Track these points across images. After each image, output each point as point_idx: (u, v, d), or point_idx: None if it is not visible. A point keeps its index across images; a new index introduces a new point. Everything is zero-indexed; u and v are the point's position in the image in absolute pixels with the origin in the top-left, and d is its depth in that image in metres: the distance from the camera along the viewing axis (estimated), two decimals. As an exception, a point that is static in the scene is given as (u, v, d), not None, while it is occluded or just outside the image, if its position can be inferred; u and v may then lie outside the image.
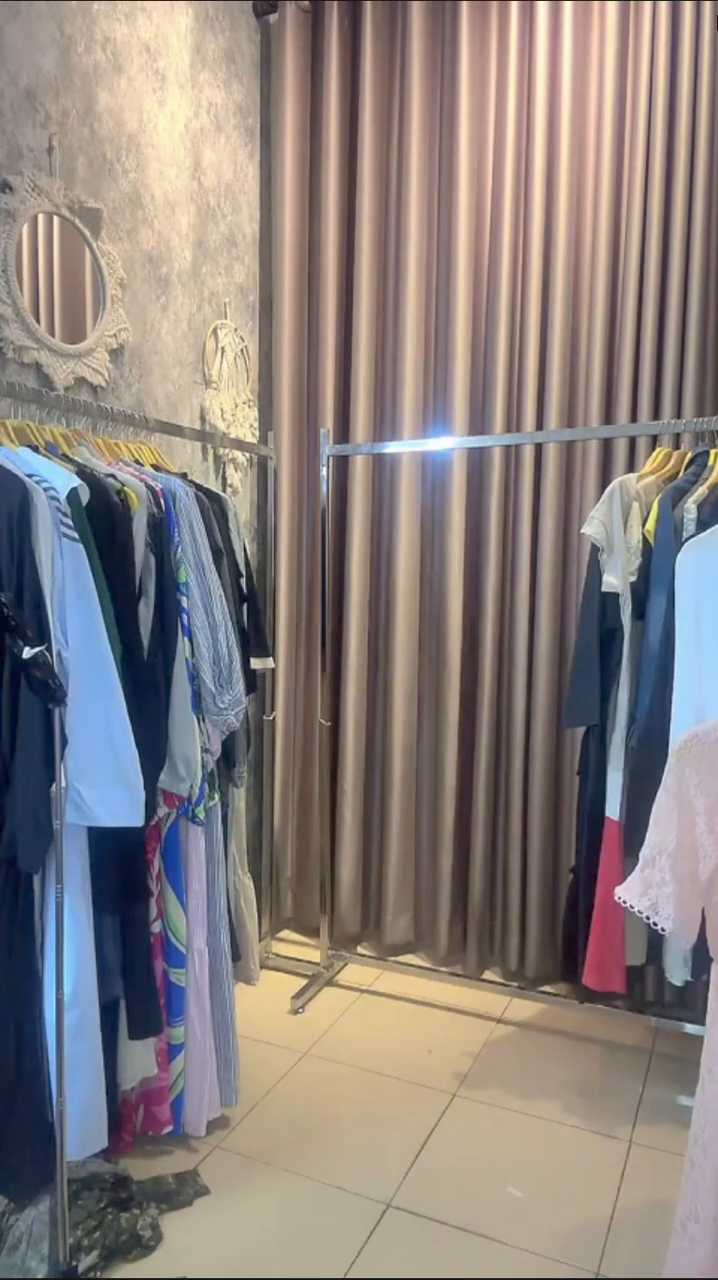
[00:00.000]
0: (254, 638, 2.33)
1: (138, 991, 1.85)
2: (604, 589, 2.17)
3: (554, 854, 2.79)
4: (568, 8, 2.59)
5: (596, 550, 2.18)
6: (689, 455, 2.21)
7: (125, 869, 1.82)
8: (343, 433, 2.97)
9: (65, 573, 1.62)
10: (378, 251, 2.89)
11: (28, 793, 1.57)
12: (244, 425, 2.89)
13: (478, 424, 2.81)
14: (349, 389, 2.95)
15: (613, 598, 2.17)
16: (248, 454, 2.91)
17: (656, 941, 2.20)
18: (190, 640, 1.94)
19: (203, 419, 2.71)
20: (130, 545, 1.81)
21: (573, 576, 2.73)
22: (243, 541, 2.30)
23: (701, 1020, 2.15)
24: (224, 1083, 2.10)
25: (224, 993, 2.10)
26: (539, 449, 2.72)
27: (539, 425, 2.72)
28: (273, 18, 2.89)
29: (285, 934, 3.18)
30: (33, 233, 2.05)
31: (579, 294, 2.68)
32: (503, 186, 2.69)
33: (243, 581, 2.29)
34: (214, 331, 2.75)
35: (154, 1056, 1.93)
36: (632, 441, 2.62)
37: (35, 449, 1.80)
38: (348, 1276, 1.72)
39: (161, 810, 1.93)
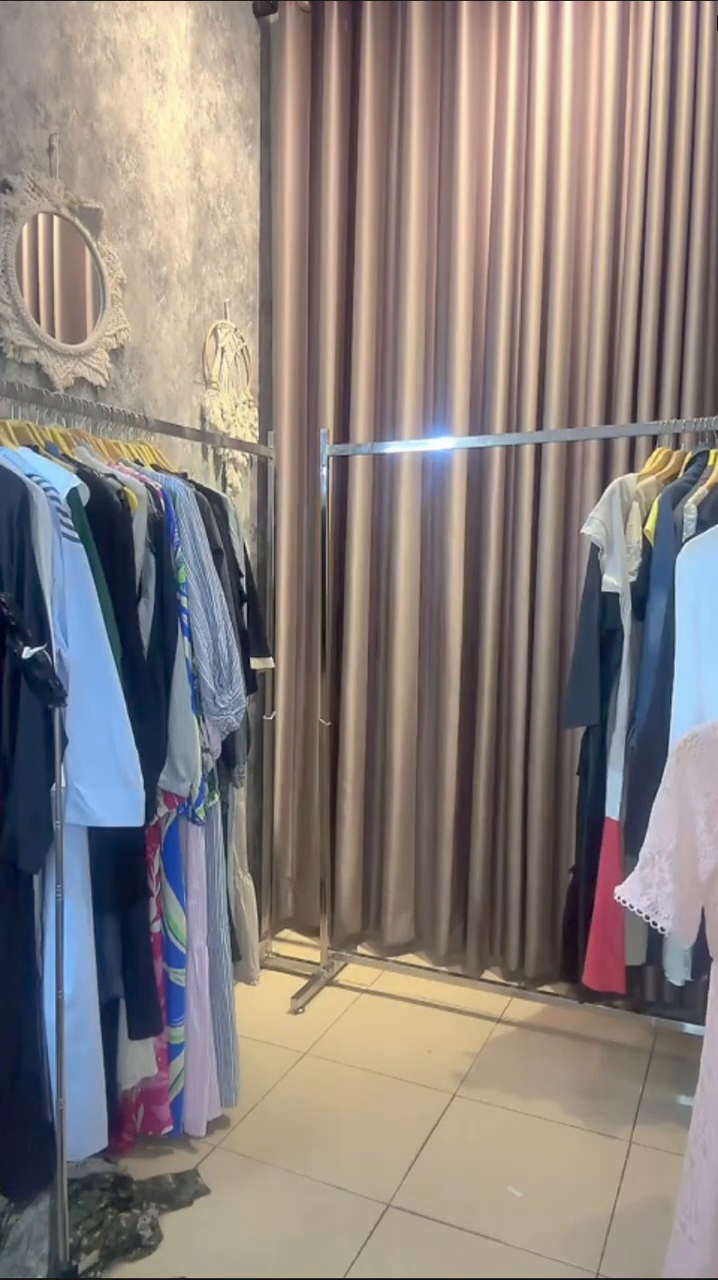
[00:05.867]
0: (254, 638, 2.33)
1: (138, 991, 1.84)
2: (604, 589, 2.17)
3: (554, 854, 2.79)
4: (568, 8, 2.59)
5: (595, 550, 2.18)
6: (689, 455, 2.21)
7: (125, 869, 1.82)
8: (343, 433, 2.97)
9: (65, 573, 1.62)
10: (378, 251, 2.89)
11: (28, 793, 1.57)
12: (244, 425, 2.89)
13: (478, 424, 2.81)
14: (349, 389, 2.95)
15: (613, 598, 2.17)
16: (248, 454, 2.91)
17: (655, 941, 2.20)
18: (190, 640, 1.94)
19: (203, 419, 2.71)
20: (130, 545, 1.81)
21: (573, 576, 2.73)
22: (243, 541, 2.30)
23: (700, 1020, 2.15)
24: (224, 1082, 2.10)
25: (224, 993, 2.10)
26: (539, 449, 2.72)
27: (539, 425, 2.72)
28: (273, 18, 2.89)
29: (285, 934, 3.18)
30: (33, 233, 2.05)
31: (579, 294, 2.68)
32: (503, 186, 2.69)
33: (243, 581, 2.29)
34: (214, 331, 2.75)
35: (154, 1056, 1.93)
36: (632, 441, 2.62)
37: (35, 449, 1.80)
38: (348, 1277, 1.72)
39: (161, 810, 1.93)
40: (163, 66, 2.48)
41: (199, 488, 2.09)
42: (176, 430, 2.37)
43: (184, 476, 2.13)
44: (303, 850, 3.11)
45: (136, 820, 1.68)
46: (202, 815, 2.00)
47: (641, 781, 2.07)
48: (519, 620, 2.75)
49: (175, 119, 2.54)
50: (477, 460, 2.82)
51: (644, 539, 2.14)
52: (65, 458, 1.84)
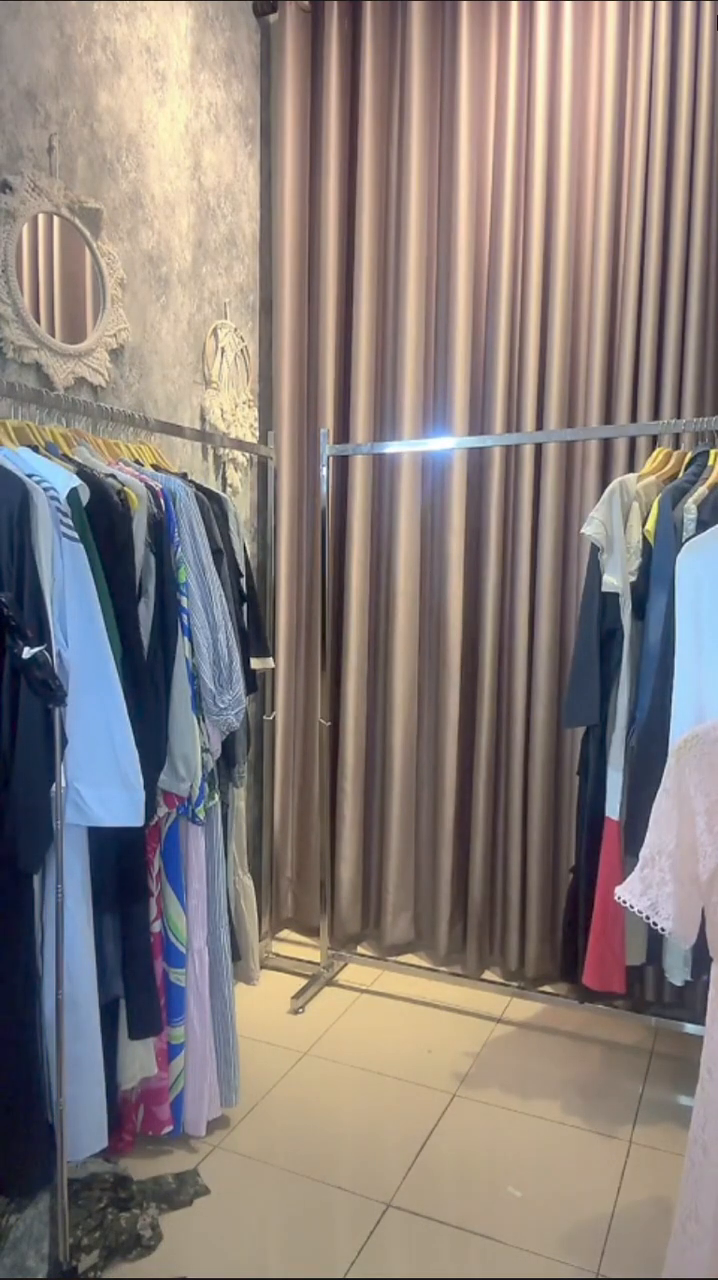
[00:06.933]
0: (254, 638, 2.33)
1: (138, 991, 1.85)
2: (604, 589, 2.17)
3: (554, 854, 2.79)
4: (568, 8, 2.59)
5: (596, 550, 2.18)
6: (689, 455, 2.21)
7: (125, 869, 1.82)
8: (343, 433, 2.97)
9: (65, 573, 1.62)
10: (378, 251, 2.89)
11: (28, 793, 1.57)
12: (244, 425, 2.89)
13: (478, 424, 2.82)
14: (349, 389, 2.95)
15: (613, 598, 2.17)
16: (248, 454, 2.91)
17: (656, 941, 2.20)
18: (190, 640, 1.94)
19: (203, 419, 2.71)
20: (130, 545, 1.81)
21: (573, 576, 2.73)
22: (243, 541, 2.31)
23: (701, 1020, 2.15)
24: (224, 1082, 2.10)
25: (224, 993, 2.10)
26: (539, 449, 2.72)
27: (539, 425, 2.72)
28: (273, 18, 2.89)
29: (285, 934, 3.18)
30: (33, 233, 2.05)
31: (579, 294, 2.68)
32: (503, 186, 2.69)
33: (243, 581, 2.29)
34: (214, 331, 2.75)
35: (154, 1056, 1.93)
36: (632, 441, 2.62)
37: (35, 449, 1.80)
38: (348, 1276, 1.72)
39: (161, 810, 1.93)
40: (163, 66, 2.48)
41: (199, 488, 2.10)
42: (177, 430, 2.37)
43: (184, 476, 2.13)
44: (303, 850, 3.11)
45: (136, 820, 1.68)
46: (201, 815, 2.00)
47: (641, 781, 2.07)
48: (519, 620, 2.75)
49: (175, 119, 2.54)
50: (477, 460, 2.82)
51: (644, 539, 2.14)
52: (65, 458, 1.84)
